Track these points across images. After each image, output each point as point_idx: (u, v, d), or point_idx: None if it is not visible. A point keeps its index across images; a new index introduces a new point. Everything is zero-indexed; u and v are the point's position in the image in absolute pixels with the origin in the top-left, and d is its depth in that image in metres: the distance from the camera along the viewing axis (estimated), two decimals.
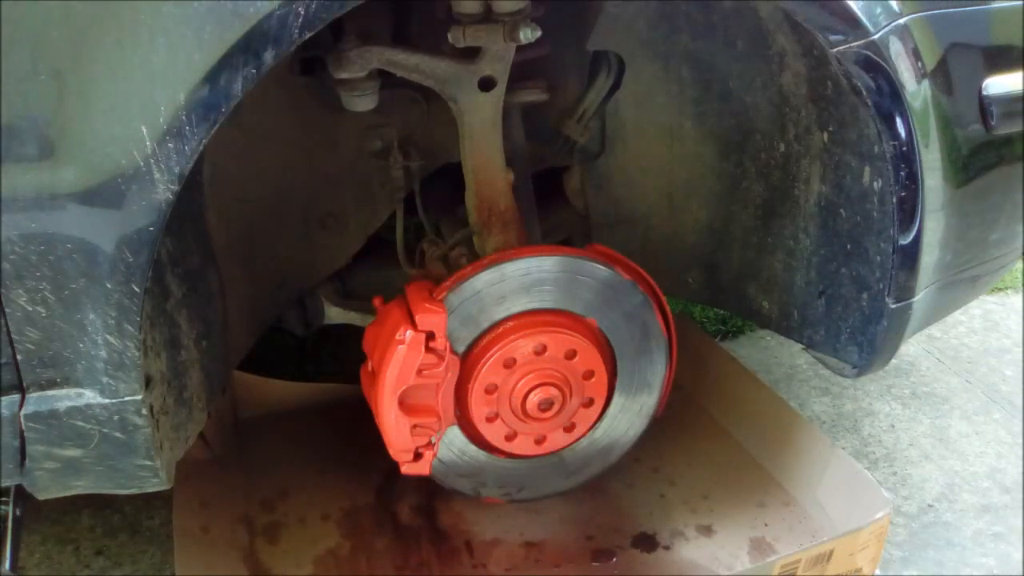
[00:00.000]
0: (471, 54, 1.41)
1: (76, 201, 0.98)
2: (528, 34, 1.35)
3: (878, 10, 1.21)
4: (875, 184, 1.33)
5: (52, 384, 1.09)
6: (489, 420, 1.51)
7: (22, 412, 1.08)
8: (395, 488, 1.73)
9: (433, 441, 1.49)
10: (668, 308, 1.58)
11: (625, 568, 1.58)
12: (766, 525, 1.66)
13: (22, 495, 1.30)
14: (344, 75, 1.36)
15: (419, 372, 1.40)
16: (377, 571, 1.56)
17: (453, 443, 1.54)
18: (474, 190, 1.55)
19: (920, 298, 1.38)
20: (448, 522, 1.67)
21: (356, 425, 1.73)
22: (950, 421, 2.20)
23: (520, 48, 1.42)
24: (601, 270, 1.49)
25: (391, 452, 1.47)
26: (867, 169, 1.34)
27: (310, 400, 1.95)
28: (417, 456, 1.49)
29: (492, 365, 1.46)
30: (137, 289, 1.03)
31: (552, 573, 1.57)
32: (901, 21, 1.22)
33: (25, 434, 1.09)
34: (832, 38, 1.20)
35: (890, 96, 1.23)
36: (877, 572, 1.64)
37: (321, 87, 1.53)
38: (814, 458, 1.69)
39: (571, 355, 1.49)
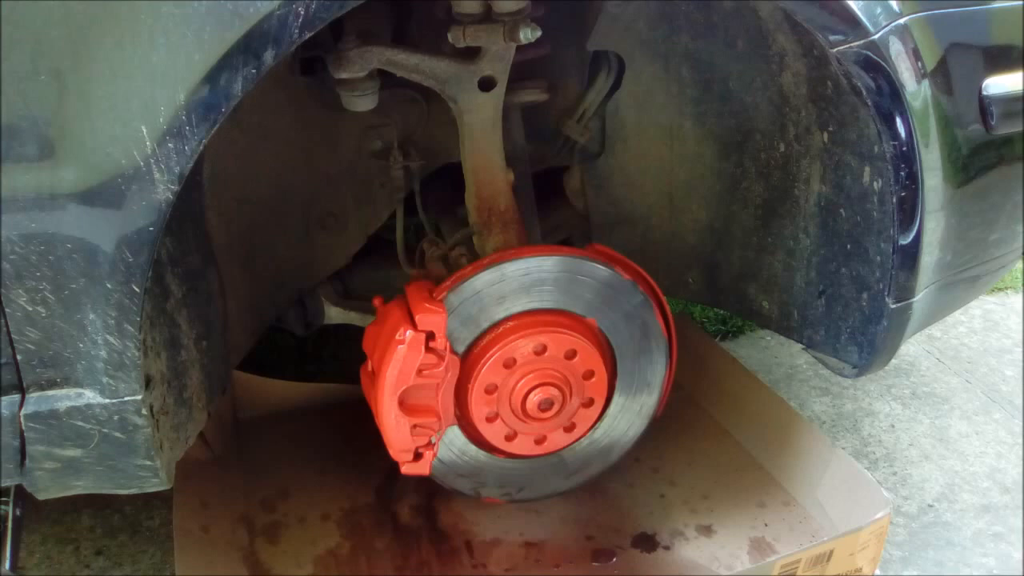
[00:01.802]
0: (471, 54, 1.41)
1: (76, 201, 0.99)
2: (528, 34, 1.35)
3: (878, 10, 1.21)
4: (875, 184, 1.33)
5: (52, 384, 1.09)
6: (489, 420, 1.51)
7: (22, 412, 1.08)
8: (395, 488, 1.73)
9: (433, 441, 1.49)
10: (668, 308, 1.58)
11: (625, 568, 1.58)
12: (766, 525, 1.66)
13: (22, 495, 1.30)
14: (344, 75, 1.36)
15: (419, 372, 1.40)
16: (377, 571, 1.56)
17: (453, 443, 1.54)
18: (474, 190, 1.55)
19: (920, 298, 1.38)
20: (448, 522, 1.67)
21: (356, 425, 1.74)
22: (950, 421, 2.20)
23: (520, 48, 1.42)
24: (601, 270, 1.49)
25: (391, 452, 1.47)
26: (867, 169, 1.34)
27: (310, 400, 1.95)
28: (417, 456, 1.49)
29: (492, 365, 1.46)
30: (137, 289, 1.03)
31: (552, 573, 1.57)
32: (901, 21, 1.22)
33: (25, 434, 1.09)
34: (832, 38, 1.20)
35: (890, 96, 1.23)
36: (877, 572, 1.64)
37: (321, 87, 1.53)
38: (814, 458, 1.69)
39: (571, 355, 1.49)
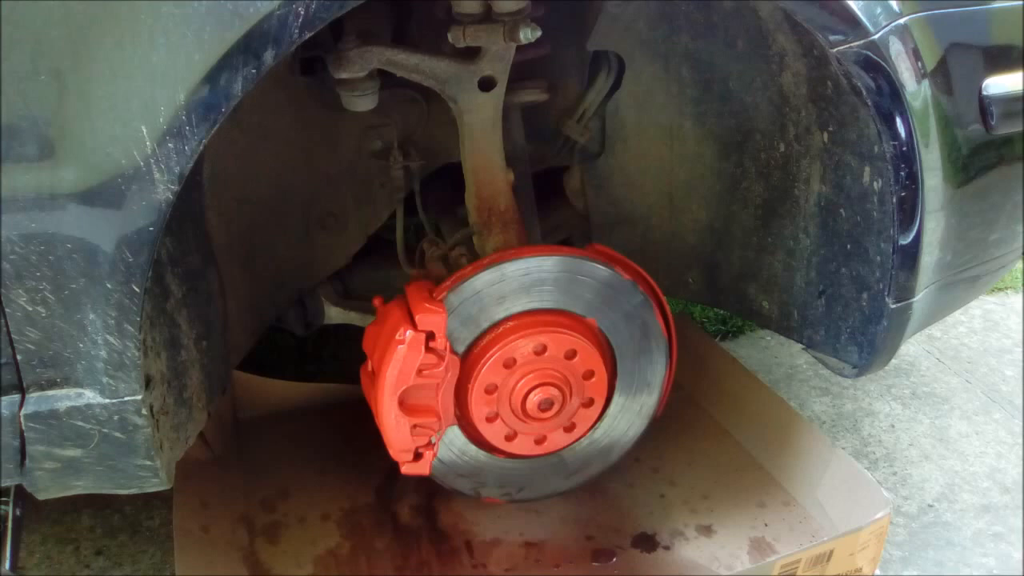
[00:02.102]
0: (471, 54, 1.41)
1: (76, 201, 0.99)
2: (528, 34, 1.35)
3: (878, 10, 1.21)
4: (875, 184, 1.33)
5: (52, 384, 1.09)
6: (489, 420, 1.51)
7: (22, 412, 1.08)
8: (395, 488, 1.73)
9: (433, 441, 1.49)
10: (668, 308, 1.58)
11: (625, 568, 1.58)
12: (766, 525, 1.66)
13: (22, 495, 1.30)
14: (344, 75, 1.36)
15: (419, 372, 1.40)
16: (377, 571, 1.56)
17: (453, 443, 1.54)
18: (474, 190, 1.55)
19: (920, 298, 1.38)
20: (448, 522, 1.67)
21: (356, 425, 1.74)
22: (950, 421, 2.20)
23: (520, 48, 1.42)
24: (601, 270, 1.49)
25: (391, 452, 1.47)
26: (867, 169, 1.34)
27: (310, 400, 1.95)
28: (417, 456, 1.49)
29: (492, 365, 1.46)
30: (137, 289, 1.03)
31: (552, 573, 1.57)
32: (901, 21, 1.22)
33: (25, 434, 1.09)
34: (832, 38, 1.20)
35: (890, 96, 1.23)
36: (877, 572, 1.64)
37: (321, 87, 1.53)
38: (814, 458, 1.69)
39: (571, 355, 1.49)
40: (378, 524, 1.66)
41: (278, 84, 1.50)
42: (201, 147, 0.99)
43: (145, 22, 0.95)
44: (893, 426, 2.18)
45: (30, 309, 1.03)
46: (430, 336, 1.38)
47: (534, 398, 1.48)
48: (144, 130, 0.97)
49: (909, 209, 1.29)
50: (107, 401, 1.09)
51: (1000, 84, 1.33)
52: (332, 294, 1.81)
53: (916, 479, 2.00)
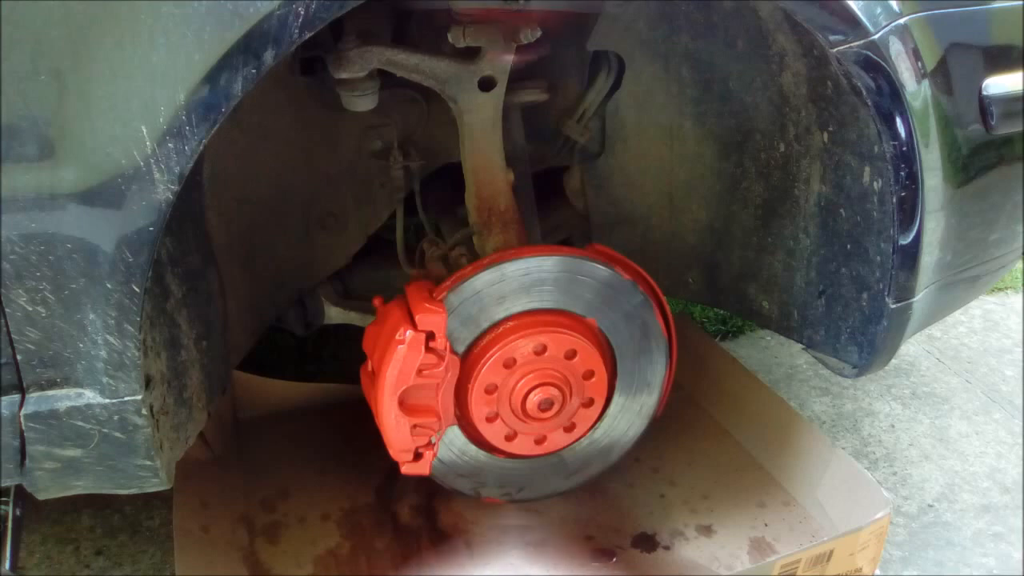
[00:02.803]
0: (471, 54, 1.41)
1: (76, 201, 0.99)
2: (528, 34, 1.35)
3: (878, 10, 1.21)
4: (875, 184, 1.33)
5: (52, 384, 1.09)
6: (489, 420, 1.51)
7: (22, 412, 1.08)
8: (395, 488, 1.73)
9: (433, 441, 1.49)
10: (668, 308, 1.58)
11: (625, 568, 1.58)
12: (766, 525, 1.66)
13: (22, 495, 1.30)
14: (344, 75, 1.36)
15: (419, 372, 1.40)
16: (377, 571, 1.56)
17: (453, 443, 1.54)
18: (474, 190, 1.55)
19: (920, 298, 1.38)
20: (448, 522, 1.67)
21: (356, 425, 1.74)
22: (950, 421, 2.20)
23: (520, 48, 1.42)
24: (601, 270, 1.49)
25: (391, 452, 1.47)
26: (867, 169, 1.34)
27: (310, 400, 1.95)
28: (417, 456, 1.49)
29: (492, 365, 1.46)
30: (137, 289, 1.03)
31: (552, 573, 1.57)
32: (901, 21, 1.22)
33: (25, 434, 1.09)
34: (832, 38, 1.20)
35: (890, 96, 1.23)
36: (877, 572, 1.64)
37: (321, 87, 1.53)
38: (814, 458, 1.69)
39: (571, 355, 1.49)
40: (378, 524, 1.66)
41: (278, 84, 1.50)
42: (201, 147, 0.99)
43: (145, 22, 0.95)
44: (893, 426, 2.18)
45: (30, 309, 1.03)
46: (430, 336, 1.38)
47: (534, 398, 1.48)
48: (144, 130, 0.97)
49: (909, 209, 1.29)
50: (107, 401, 1.09)
51: (1000, 84, 1.33)
52: (332, 294, 1.81)
53: (916, 479, 2.00)
